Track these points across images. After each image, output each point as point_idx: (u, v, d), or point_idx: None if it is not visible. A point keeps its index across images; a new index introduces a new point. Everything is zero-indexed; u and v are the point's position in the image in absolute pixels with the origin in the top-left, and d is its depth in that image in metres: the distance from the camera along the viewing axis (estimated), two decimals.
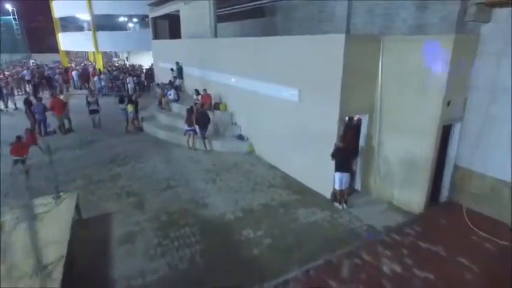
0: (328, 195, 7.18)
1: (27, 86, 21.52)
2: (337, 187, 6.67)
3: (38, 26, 37.17)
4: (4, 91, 17.12)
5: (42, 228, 5.12)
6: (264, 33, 11.25)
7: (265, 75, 9.08)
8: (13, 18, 36.91)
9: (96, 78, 21.46)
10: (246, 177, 8.57)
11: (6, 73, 23.22)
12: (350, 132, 7.39)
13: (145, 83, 22.73)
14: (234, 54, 10.91)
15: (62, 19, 30.82)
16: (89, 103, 13.09)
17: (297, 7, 11.88)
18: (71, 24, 29.89)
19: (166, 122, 12.83)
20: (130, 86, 19.20)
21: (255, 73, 9.63)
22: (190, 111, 10.69)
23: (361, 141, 7.36)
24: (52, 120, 12.58)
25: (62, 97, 13.70)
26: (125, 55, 34.68)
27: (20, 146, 8.62)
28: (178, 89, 14.74)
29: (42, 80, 21.28)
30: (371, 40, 6.79)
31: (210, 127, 10.78)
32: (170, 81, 15.49)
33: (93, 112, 13.15)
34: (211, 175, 8.72)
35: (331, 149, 6.65)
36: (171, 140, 11.56)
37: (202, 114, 10.59)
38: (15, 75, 23.00)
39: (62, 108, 12.35)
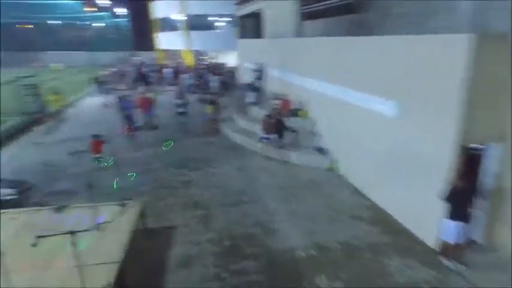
0: (432, 243, 5.51)
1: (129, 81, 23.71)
2: (451, 240, 4.96)
3: (144, 27, 41.13)
4: (106, 86, 19.02)
5: (101, 238, 4.86)
6: (351, 32, 9.71)
7: (354, 81, 7.67)
8: (125, 20, 41.75)
9: (185, 75, 22.47)
10: (324, 201, 7.34)
11: (113, 70, 26.04)
12: (470, 166, 5.53)
13: (229, 83, 22.91)
14: (318, 55, 9.69)
15: (160, 19, 33.55)
16: (177, 105, 13.05)
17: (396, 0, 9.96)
18: (168, 24, 32.26)
19: (244, 125, 12.31)
20: (213, 85, 19.45)
21: (341, 78, 8.28)
22: (267, 117, 9.89)
23: (486, 179, 5.44)
24: (141, 117, 13.19)
25: (151, 94, 14.30)
26: (214, 54, 36.09)
27: (96, 144, 8.89)
28: (258, 91, 14.13)
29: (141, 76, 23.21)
30: (506, 41, 4.82)
31: (289, 136, 9.81)
32: (250, 82, 14.99)
33: (180, 114, 13.12)
34: (285, 193, 7.73)
35: (440, 184, 5.01)
36: (247, 146, 10.96)
37: (280, 122, 9.67)
38: (119, 71, 25.67)
39: (148, 105, 12.84)
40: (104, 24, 43.87)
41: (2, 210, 5.62)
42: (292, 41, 11.87)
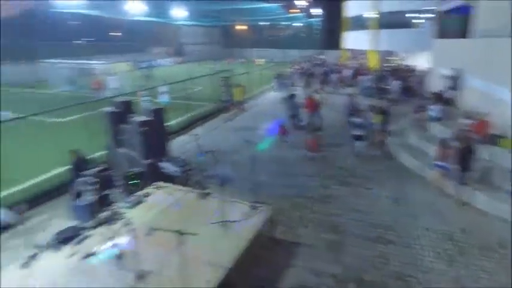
0: None
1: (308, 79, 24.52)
2: None
3: (335, 26, 41.58)
4: (287, 82, 20.24)
5: (222, 236, 4.97)
6: None
7: None
8: (318, 20, 43.48)
9: (363, 77, 21.11)
10: None
11: (296, 67, 27.59)
12: None
13: (412, 90, 19.86)
14: None
15: (350, 18, 32.76)
16: (353, 124, 9.94)
17: None
18: (357, 22, 31.13)
19: (416, 143, 10.19)
20: (393, 90, 17.28)
21: None
22: (449, 140, 7.68)
23: None
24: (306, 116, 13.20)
25: (319, 95, 14.09)
26: (403, 55, 32.31)
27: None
28: (447, 103, 11.37)
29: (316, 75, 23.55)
30: None
31: (476, 168, 7.32)
32: (439, 92, 12.23)
33: (356, 138, 9.93)
34: (450, 246, 5.77)
35: None
36: (414, 169, 9.03)
37: (468, 150, 7.29)
38: (301, 69, 26.93)
39: (314, 106, 12.68)
40: (300, 24, 47.30)
41: (164, 184, 6.72)
42: None
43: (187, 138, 12.12)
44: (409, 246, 5.84)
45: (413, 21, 25.72)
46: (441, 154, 7.76)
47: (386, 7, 24.88)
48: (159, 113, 7.77)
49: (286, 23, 47.73)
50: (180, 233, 3.32)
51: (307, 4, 39.28)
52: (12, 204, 6.70)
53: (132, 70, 33.79)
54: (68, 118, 13.72)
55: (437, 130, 10.13)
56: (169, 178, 7.34)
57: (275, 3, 32.12)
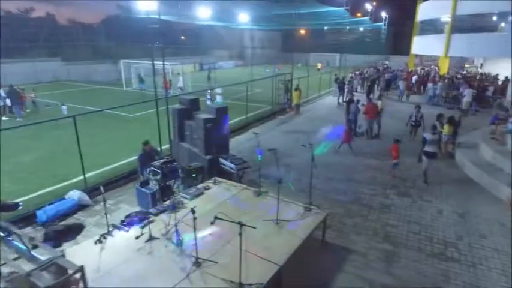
0: None
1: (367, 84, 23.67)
2: None
3: (402, 30, 39.65)
4: (345, 88, 19.76)
5: (276, 234, 5.13)
6: None
7: None
8: (384, 24, 41.58)
9: (431, 85, 19.74)
10: None
11: (356, 72, 26.74)
12: None
13: (490, 99, 18.03)
14: None
15: (422, 22, 30.66)
16: (424, 141, 8.38)
17: None
18: (429, 26, 29.04)
19: (491, 158, 9.27)
20: (465, 100, 15.87)
21: None
22: None
23: None
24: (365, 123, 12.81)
25: (379, 101, 13.53)
26: (480, 61, 29.37)
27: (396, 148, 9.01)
28: None
29: (379, 81, 22.59)
30: None
31: None
32: None
33: (427, 155, 8.36)
34: None
35: None
36: (485, 186, 8.27)
37: None
38: (363, 74, 26.03)
39: (373, 113, 12.23)
40: (365, 29, 45.64)
41: (222, 179, 7.08)
42: None
43: (243, 137, 12.56)
44: (473, 265, 5.39)
45: (495, 24, 23.26)
46: None
47: (465, 9, 22.80)
48: (222, 111, 8.19)
49: (350, 27, 46.49)
50: (241, 224, 3.53)
51: (372, 8, 37.76)
52: (90, 189, 7.64)
53: (196, 71, 35.83)
54: (139, 114, 15.14)
55: None
56: (225, 174, 7.74)
57: (341, 7, 31.47)
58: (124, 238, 5.02)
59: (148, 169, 6.88)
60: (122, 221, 5.60)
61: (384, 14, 40.66)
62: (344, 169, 9.49)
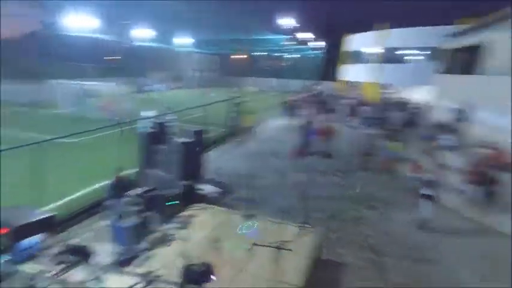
0: None
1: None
2: None
3: (331, 58, 43.08)
4: (293, 110, 20.91)
5: (280, 257, 5.09)
6: None
7: None
8: (321, 52, 45.24)
9: (364, 107, 22.07)
10: None
11: (301, 96, 28.59)
12: None
13: (412, 121, 20.81)
14: None
15: (349, 52, 34.60)
16: (423, 182, 7.79)
17: None
18: (356, 56, 32.86)
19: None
20: (395, 121, 18.08)
21: None
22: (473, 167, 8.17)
23: None
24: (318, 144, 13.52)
25: (333, 124, 14.63)
26: (396, 88, 34.04)
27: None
28: (455, 133, 12.07)
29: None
30: None
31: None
32: (446, 123, 12.99)
33: (425, 197, 7.61)
34: (486, 268, 6.03)
35: None
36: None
37: (489, 175, 7.77)
38: (305, 98, 27.94)
39: (329, 134, 13.16)
40: (298, 56, 49.15)
41: (205, 205, 6.84)
42: None
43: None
44: (441, 262, 6.09)
45: (410, 58, 27.35)
46: (468, 179, 8.22)
47: (389, 43, 26.60)
48: (199, 135, 8.01)
49: (286, 54, 49.69)
50: (278, 248, 3.49)
51: (311, 37, 41.01)
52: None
53: (132, 93, 33.96)
54: (83, 138, 13.67)
55: (449, 158, 10.66)
56: (204, 199, 7.45)
57: (279, 35, 33.56)
58: (121, 280, 4.48)
59: (124, 200, 6.28)
60: (115, 262, 4.95)
61: (317, 43, 44.31)
62: (308, 187, 9.86)
